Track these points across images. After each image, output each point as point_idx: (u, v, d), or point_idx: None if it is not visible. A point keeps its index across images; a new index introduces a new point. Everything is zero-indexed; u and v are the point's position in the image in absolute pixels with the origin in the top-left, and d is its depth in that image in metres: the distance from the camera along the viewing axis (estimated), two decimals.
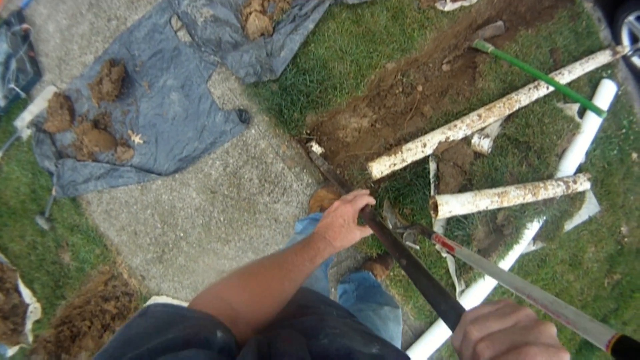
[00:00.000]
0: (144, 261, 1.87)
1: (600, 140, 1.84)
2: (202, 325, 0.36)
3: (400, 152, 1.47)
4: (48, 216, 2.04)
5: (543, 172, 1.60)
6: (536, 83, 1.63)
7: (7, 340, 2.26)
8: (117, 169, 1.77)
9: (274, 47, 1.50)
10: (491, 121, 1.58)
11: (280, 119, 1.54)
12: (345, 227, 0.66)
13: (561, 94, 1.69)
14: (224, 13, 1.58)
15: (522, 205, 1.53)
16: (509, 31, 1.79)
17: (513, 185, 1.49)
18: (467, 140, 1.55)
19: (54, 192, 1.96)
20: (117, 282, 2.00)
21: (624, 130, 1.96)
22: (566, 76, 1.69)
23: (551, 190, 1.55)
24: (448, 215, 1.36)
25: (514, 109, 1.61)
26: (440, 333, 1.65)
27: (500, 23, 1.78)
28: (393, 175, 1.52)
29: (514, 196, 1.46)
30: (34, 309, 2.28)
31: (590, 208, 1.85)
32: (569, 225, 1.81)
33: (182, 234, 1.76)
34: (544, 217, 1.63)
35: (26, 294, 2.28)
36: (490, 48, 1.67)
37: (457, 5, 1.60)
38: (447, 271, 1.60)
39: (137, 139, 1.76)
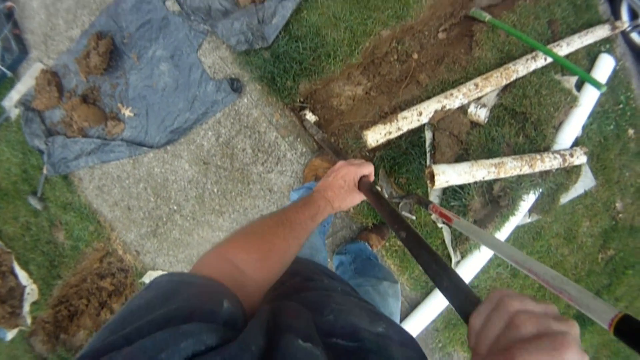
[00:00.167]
0: (138, 236, 1.86)
1: (597, 114, 1.83)
2: (208, 294, 0.35)
3: (395, 121, 1.44)
4: (40, 196, 2.02)
5: (540, 144, 1.58)
6: (534, 54, 1.61)
7: (5, 324, 2.26)
8: (108, 144, 1.74)
9: (265, 14, 1.46)
10: (488, 91, 1.56)
11: (273, 88, 1.50)
12: (345, 188, 0.66)
13: (559, 66, 1.67)
14: None
15: (519, 176, 1.52)
16: (506, 0, 1.75)
17: (510, 156, 1.48)
18: (463, 109, 1.53)
19: (45, 171, 1.93)
20: (112, 258, 1.99)
21: (621, 106, 1.95)
22: (564, 48, 1.67)
23: (548, 163, 1.54)
24: (445, 185, 1.35)
25: (511, 79, 1.59)
26: (436, 304, 1.66)
27: None
28: (388, 144, 1.50)
29: (511, 167, 1.45)
30: (31, 290, 2.28)
31: (586, 182, 1.85)
32: (564, 199, 1.81)
33: (175, 207, 1.75)
34: (540, 190, 1.63)
35: (22, 276, 2.27)
36: (487, 17, 1.63)
37: None
38: (443, 242, 1.59)
39: (127, 112, 1.72)
